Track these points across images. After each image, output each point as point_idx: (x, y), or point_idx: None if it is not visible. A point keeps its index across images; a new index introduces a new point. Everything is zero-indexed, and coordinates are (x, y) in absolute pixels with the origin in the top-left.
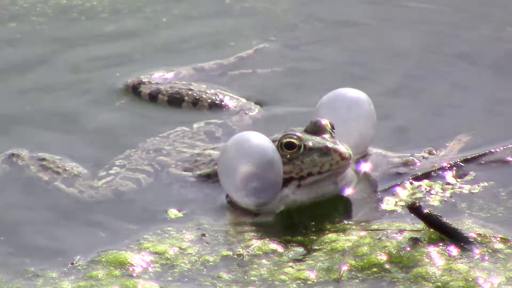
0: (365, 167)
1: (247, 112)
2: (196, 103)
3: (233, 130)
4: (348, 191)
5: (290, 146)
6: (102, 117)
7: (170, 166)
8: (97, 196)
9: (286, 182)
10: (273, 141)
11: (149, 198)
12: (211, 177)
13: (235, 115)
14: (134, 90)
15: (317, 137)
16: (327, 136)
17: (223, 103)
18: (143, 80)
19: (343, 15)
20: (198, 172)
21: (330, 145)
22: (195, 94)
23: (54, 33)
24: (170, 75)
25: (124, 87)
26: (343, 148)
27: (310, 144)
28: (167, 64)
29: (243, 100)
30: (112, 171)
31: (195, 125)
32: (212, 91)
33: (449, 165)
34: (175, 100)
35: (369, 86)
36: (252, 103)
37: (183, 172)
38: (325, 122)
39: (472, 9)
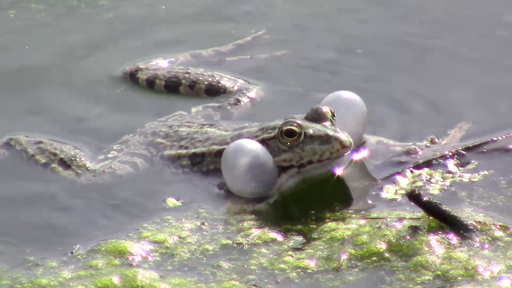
0: (365, 154)
1: (245, 92)
2: (193, 86)
3: (231, 113)
4: (338, 172)
5: (290, 133)
6: (101, 104)
7: (166, 148)
8: (94, 179)
9: (286, 169)
10: (273, 128)
11: (147, 186)
12: (205, 157)
13: (233, 97)
14: (132, 77)
15: (318, 125)
16: (327, 123)
17: (220, 85)
18: (141, 66)
19: (343, 3)
20: (193, 150)
21: (330, 133)
22: (192, 77)
23: (53, 20)
24: (167, 61)
25: (122, 74)
26: (344, 136)
27: (311, 131)
28: (166, 51)
29: (241, 81)
30: (110, 155)
31: (193, 109)
32: (209, 73)
33: (451, 154)
34: (173, 84)
35: (368, 76)
36: (250, 84)
37: (178, 151)
38: (325, 109)
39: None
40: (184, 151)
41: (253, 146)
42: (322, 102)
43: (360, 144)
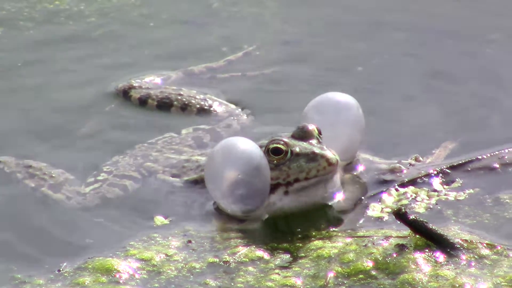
0: (352, 173)
1: (235, 118)
2: (185, 108)
3: (221, 135)
4: (338, 198)
5: (277, 151)
6: (92, 122)
7: (158, 172)
8: (84, 202)
9: (273, 188)
10: (260, 147)
11: (136, 205)
12: (198, 183)
13: (223, 121)
14: (125, 94)
15: (304, 143)
16: (314, 141)
17: (211, 109)
18: (134, 84)
19: (333, 17)
20: (185, 178)
21: (317, 150)
22: (184, 99)
23: (41, 37)
24: (160, 79)
25: (114, 91)
26: (330, 154)
27: (297, 149)
28: (155, 68)
29: (232, 106)
30: (99, 178)
31: (183, 131)
32: (202, 96)
33: (436, 172)
34: (164, 105)
35: (358, 92)
36: (241, 109)
37: (171, 177)
38: (312, 127)
39: (455, 19)
40: (177, 179)
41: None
42: (308, 106)
43: (349, 163)
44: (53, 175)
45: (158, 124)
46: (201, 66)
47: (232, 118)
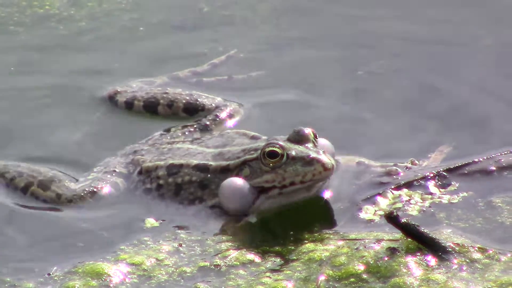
0: (348, 176)
1: (223, 108)
2: (171, 105)
3: (210, 130)
4: (329, 199)
5: (272, 155)
6: (80, 128)
7: (145, 161)
8: (74, 199)
9: (267, 190)
10: (256, 150)
11: (126, 206)
12: (183, 167)
13: (212, 114)
14: (111, 100)
15: (300, 146)
16: (310, 145)
17: (198, 102)
18: (119, 90)
19: (320, 22)
20: (171, 161)
21: (313, 154)
22: (170, 97)
23: (31, 42)
24: (145, 84)
25: (101, 97)
26: (326, 159)
27: (293, 153)
28: (144, 73)
29: (219, 98)
30: (90, 177)
31: (172, 129)
32: (187, 92)
33: (432, 175)
34: (151, 104)
35: (349, 95)
36: (228, 101)
37: (156, 162)
38: (308, 131)
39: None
40: (162, 162)
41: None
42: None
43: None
44: (42, 171)
45: (148, 125)
46: (186, 71)
47: (220, 109)
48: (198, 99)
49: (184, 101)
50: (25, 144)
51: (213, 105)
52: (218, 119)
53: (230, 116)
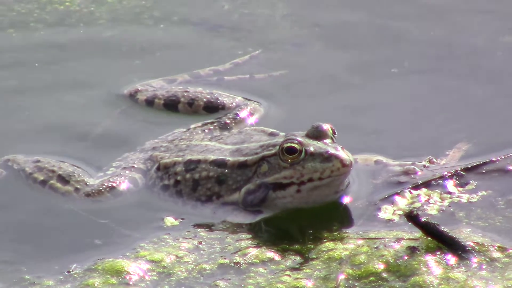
0: (365, 175)
1: (243, 107)
2: (192, 103)
3: (229, 128)
4: (347, 199)
5: (291, 151)
6: (100, 125)
7: (163, 158)
8: (93, 194)
9: (285, 186)
10: (274, 146)
11: (146, 204)
12: (200, 163)
13: (232, 112)
14: (132, 98)
15: (319, 142)
16: (328, 141)
17: (218, 101)
18: (139, 88)
19: (341, 20)
20: (189, 157)
21: (331, 151)
22: (190, 95)
23: (52, 39)
24: (167, 82)
25: (121, 95)
26: (345, 155)
27: (312, 149)
28: (165, 70)
29: (239, 97)
30: (109, 172)
31: (192, 126)
32: (208, 91)
33: (449, 174)
34: (171, 103)
35: (366, 94)
36: (248, 101)
37: (174, 158)
38: (326, 127)
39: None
40: (180, 158)
41: None
42: None
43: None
44: (62, 166)
45: (168, 122)
46: (207, 69)
47: (240, 108)
48: (219, 98)
49: (205, 99)
50: (46, 139)
51: (234, 104)
52: (238, 117)
53: (250, 114)
